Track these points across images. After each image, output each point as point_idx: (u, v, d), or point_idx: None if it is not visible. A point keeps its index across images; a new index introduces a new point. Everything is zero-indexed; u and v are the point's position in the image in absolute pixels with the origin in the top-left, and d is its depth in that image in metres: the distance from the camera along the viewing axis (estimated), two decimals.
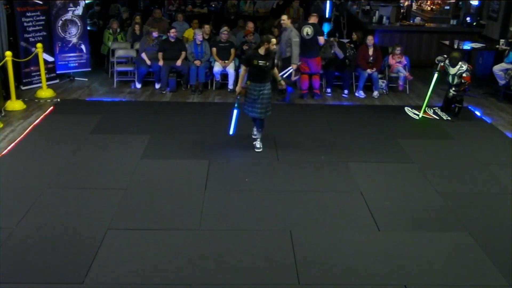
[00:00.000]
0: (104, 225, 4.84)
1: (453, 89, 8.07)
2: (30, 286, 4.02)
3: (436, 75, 8.18)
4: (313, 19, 8.77)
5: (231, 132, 6.93)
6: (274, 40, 6.40)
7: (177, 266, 4.29)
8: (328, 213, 5.22)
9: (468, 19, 11.69)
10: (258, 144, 6.72)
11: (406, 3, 13.74)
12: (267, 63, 6.35)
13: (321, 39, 8.69)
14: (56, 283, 4.04)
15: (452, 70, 7.98)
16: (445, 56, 8.30)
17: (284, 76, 8.39)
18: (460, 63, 7.92)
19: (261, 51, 6.36)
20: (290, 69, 8.52)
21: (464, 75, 7.90)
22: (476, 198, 5.64)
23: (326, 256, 4.50)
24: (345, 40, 10.46)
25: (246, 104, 6.55)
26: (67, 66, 9.71)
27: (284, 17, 8.60)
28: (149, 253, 4.45)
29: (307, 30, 8.62)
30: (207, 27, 9.67)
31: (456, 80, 7.99)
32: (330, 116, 8.20)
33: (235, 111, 6.82)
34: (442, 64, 8.14)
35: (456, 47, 10.07)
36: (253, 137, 6.84)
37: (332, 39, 9.65)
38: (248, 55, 6.59)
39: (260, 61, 6.33)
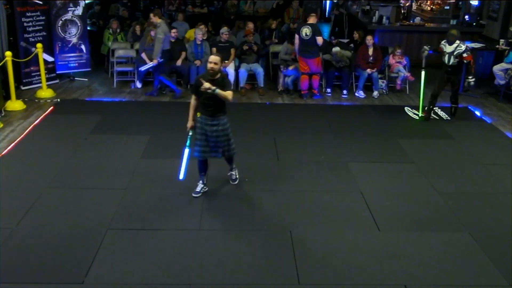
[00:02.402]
0: (104, 225, 4.84)
1: (449, 69, 7.67)
2: (30, 286, 4.02)
3: (423, 73, 7.97)
4: (312, 19, 8.76)
5: (181, 176, 5.56)
6: (213, 58, 5.07)
7: (177, 266, 4.29)
8: (328, 213, 5.22)
9: (467, 18, 11.69)
10: (234, 175, 5.70)
11: (407, 4, 13.70)
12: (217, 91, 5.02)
13: (319, 40, 8.68)
14: (56, 283, 4.04)
15: (449, 48, 7.61)
16: (429, 46, 8.04)
17: (143, 69, 8.77)
18: (458, 41, 7.57)
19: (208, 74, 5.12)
20: (151, 64, 8.62)
21: (464, 55, 7.52)
22: (476, 198, 5.64)
23: (326, 256, 4.50)
24: (345, 40, 10.44)
25: (199, 144, 5.24)
26: (67, 66, 9.71)
27: (151, 14, 8.68)
28: (149, 253, 4.45)
29: (306, 31, 8.61)
30: (202, 27, 9.64)
31: (452, 60, 7.61)
32: (330, 116, 8.20)
33: (186, 150, 5.50)
34: (440, 46, 7.79)
35: None
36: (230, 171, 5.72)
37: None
38: (197, 77, 5.32)
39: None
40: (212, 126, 5.17)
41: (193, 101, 5.26)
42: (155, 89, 8.98)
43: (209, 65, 5.05)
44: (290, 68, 9.10)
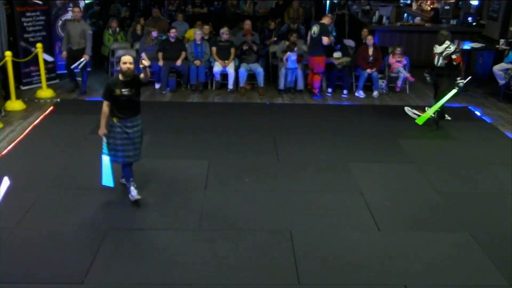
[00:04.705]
0: (104, 225, 4.84)
1: (437, 71, 7.46)
2: (30, 286, 4.01)
3: (455, 91, 7.33)
4: (326, 20, 8.84)
5: (109, 183, 5.33)
6: (126, 58, 4.94)
7: (177, 266, 4.29)
8: (328, 213, 5.22)
9: (470, 19, 11.70)
10: (134, 191, 5.21)
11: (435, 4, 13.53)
12: (133, 90, 4.99)
13: (325, 39, 8.69)
14: (56, 283, 4.04)
15: (439, 49, 7.41)
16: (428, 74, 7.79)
17: (77, 66, 8.72)
18: (447, 42, 7.34)
19: (120, 76, 4.97)
20: (83, 60, 8.64)
21: (453, 56, 7.29)
22: (476, 198, 5.64)
23: (326, 256, 4.50)
24: (347, 42, 10.37)
25: (122, 150, 5.11)
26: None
27: (76, 9, 8.71)
28: (149, 253, 4.45)
29: (314, 29, 8.67)
30: (206, 28, 9.67)
31: (440, 61, 7.38)
32: (330, 116, 8.21)
33: (104, 157, 5.25)
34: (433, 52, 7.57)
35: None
36: (125, 182, 5.38)
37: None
38: (107, 84, 5.03)
39: (123, 90, 4.93)
40: (133, 127, 5.12)
41: (106, 107, 5.03)
42: (85, 85, 8.98)
43: (125, 66, 4.89)
44: (296, 48, 8.95)
